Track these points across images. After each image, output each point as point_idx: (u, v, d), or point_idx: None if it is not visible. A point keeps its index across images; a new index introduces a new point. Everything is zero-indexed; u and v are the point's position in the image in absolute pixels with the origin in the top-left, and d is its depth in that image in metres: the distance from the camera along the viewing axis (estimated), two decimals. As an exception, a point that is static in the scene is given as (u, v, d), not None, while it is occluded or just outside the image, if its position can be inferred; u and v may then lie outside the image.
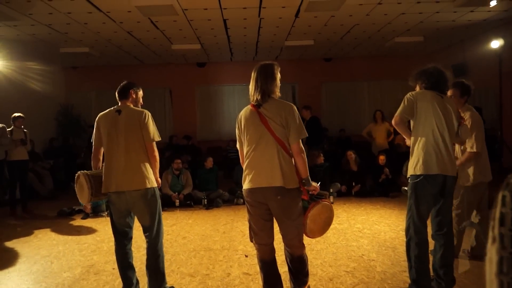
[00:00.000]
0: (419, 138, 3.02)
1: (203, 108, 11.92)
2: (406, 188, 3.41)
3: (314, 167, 7.01)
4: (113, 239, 4.94)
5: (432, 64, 3.16)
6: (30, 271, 4.00)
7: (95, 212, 6.35)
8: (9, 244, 5.01)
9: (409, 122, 3.16)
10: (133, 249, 3.31)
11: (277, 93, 2.78)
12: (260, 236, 2.77)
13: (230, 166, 9.42)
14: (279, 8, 6.50)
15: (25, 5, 5.95)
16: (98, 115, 3.18)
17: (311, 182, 2.71)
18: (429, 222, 3.11)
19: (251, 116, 2.73)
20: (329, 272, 3.68)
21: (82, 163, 9.59)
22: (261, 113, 2.68)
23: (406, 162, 3.47)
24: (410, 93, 3.09)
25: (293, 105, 2.73)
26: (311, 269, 2.94)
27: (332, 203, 6.11)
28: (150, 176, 3.10)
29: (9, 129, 6.57)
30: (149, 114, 3.15)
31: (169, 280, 3.52)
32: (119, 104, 3.21)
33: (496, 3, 6.33)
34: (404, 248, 4.20)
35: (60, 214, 6.48)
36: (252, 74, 2.80)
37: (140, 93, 3.31)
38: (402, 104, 3.06)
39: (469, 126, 3.51)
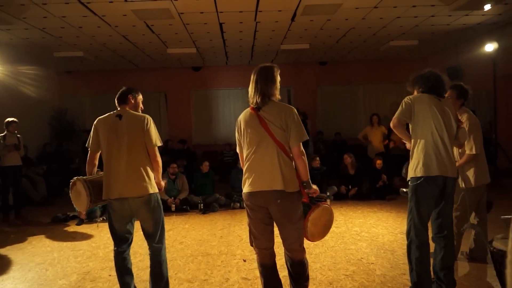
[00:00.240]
0: (418, 140, 3.01)
1: (199, 112, 11.88)
2: (404, 189, 3.40)
3: (311, 171, 6.99)
4: (109, 245, 4.90)
5: (428, 69, 3.17)
6: (24, 278, 3.92)
7: (90, 218, 6.27)
8: (2, 251, 4.91)
9: (407, 125, 3.16)
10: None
11: (277, 95, 2.75)
12: (261, 240, 2.73)
13: (226, 170, 9.38)
14: (275, 11, 6.50)
15: (19, 9, 5.89)
16: (97, 119, 3.11)
17: (311, 185, 2.68)
18: (429, 225, 3.09)
19: (251, 119, 2.70)
20: (328, 276, 3.65)
21: (76, 169, 9.51)
22: (261, 116, 2.65)
23: (405, 165, 3.45)
24: (407, 96, 3.10)
25: (293, 107, 2.71)
26: (310, 273, 2.90)
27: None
28: (152, 182, 3.05)
29: (2, 134, 6.48)
30: (151, 119, 3.10)
31: (167, 286, 3.46)
32: (118, 109, 3.15)
33: (490, 7, 6.38)
34: (403, 251, 4.23)
35: (54, 220, 6.38)
36: (252, 76, 2.77)
37: (140, 97, 3.25)
38: (400, 108, 3.06)
39: (466, 129, 3.52)
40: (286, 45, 8.92)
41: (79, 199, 3.03)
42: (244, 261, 4.16)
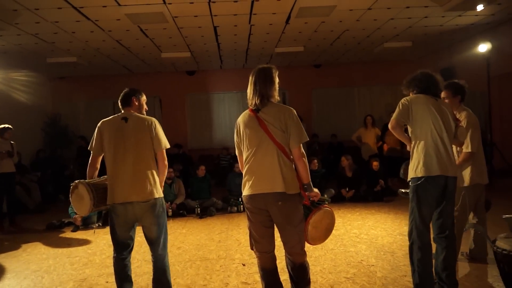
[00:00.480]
0: (418, 141, 3.01)
1: (194, 117, 11.85)
2: (403, 190, 3.38)
3: (310, 173, 6.96)
4: (105, 251, 4.83)
5: (420, 70, 3.18)
6: (20, 286, 3.84)
7: (86, 224, 6.20)
8: (-4, 259, 4.83)
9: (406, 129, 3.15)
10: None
11: (276, 97, 2.73)
12: (261, 244, 2.70)
13: (223, 174, 9.34)
14: (269, 14, 6.49)
15: (11, 14, 5.82)
16: (101, 121, 3.04)
17: (313, 187, 2.65)
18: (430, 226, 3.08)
19: (250, 121, 2.67)
20: (329, 279, 3.61)
21: (70, 175, 9.42)
22: (260, 117, 2.63)
23: (403, 165, 3.43)
24: (404, 98, 3.10)
25: (292, 109, 2.68)
26: (310, 276, 2.86)
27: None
28: (158, 186, 2.99)
29: (-5, 141, 6.39)
30: (157, 121, 3.06)
31: (166, 292, 3.40)
32: (122, 111, 3.09)
33: (483, 8, 6.42)
34: (403, 252, 4.23)
35: (49, 227, 6.29)
36: (250, 78, 2.75)
37: (143, 98, 3.19)
38: (397, 109, 3.06)
39: (464, 126, 3.51)
40: (281, 48, 8.92)
41: (81, 203, 2.95)
42: (243, 265, 4.11)
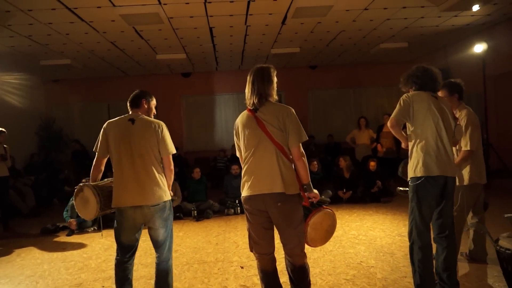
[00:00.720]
0: (418, 140, 2.98)
1: (189, 119, 11.79)
2: (401, 188, 3.34)
3: (309, 174, 6.92)
4: (101, 255, 4.76)
5: (416, 65, 3.15)
6: (13, 292, 3.76)
7: (81, 228, 6.11)
8: (-11, 264, 4.74)
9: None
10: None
11: (275, 96, 2.69)
12: (261, 246, 2.65)
13: (219, 177, 9.29)
14: (266, 15, 6.46)
15: (4, 16, 5.74)
16: (107, 122, 2.96)
17: (312, 188, 2.61)
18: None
19: (248, 121, 2.63)
20: (329, 281, 3.57)
21: (65, 179, 9.32)
22: (258, 117, 2.59)
23: (401, 164, 3.40)
24: (406, 94, 3.07)
25: (291, 108, 2.65)
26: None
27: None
28: (166, 189, 2.93)
29: (-12, 144, 6.30)
30: (165, 125, 3.01)
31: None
32: (130, 112, 3.03)
33: (478, 8, 6.42)
34: (402, 253, 4.20)
35: (44, 232, 6.20)
36: (248, 77, 2.71)
37: (153, 102, 3.14)
38: (398, 106, 3.02)
39: (464, 124, 3.51)
40: (277, 49, 8.89)
41: (86, 207, 2.87)
42: (242, 267, 4.06)
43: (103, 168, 2.99)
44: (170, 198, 2.96)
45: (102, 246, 5.23)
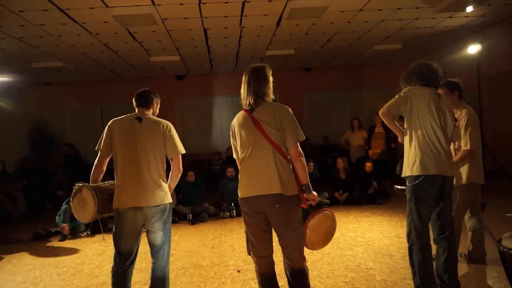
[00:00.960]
0: (415, 138, 2.95)
1: (184, 122, 11.71)
2: (399, 186, 3.31)
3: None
4: (94, 260, 4.66)
5: (417, 62, 3.13)
6: (3, 300, 3.66)
7: (74, 233, 5.99)
8: (-21, 271, 4.62)
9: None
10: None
11: (271, 95, 2.65)
12: (259, 249, 2.58)
13: (214, 179, 9.21)
14: (260, 16, 6.42)
15: (-6, 17, 5.65)
16: (112, 120, 2.87)
17: (311, 189, 2.55)
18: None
19: (244, 121, 2.58)
20: (327, 284, 3.51)
21: (57, 183, 9.19)
22: (255, 117, 2.54)
23: (399, 162, 3.36)
24: (407, 88, 3.02)
25: (287, 107, 2.60)
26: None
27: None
28: (167, 191, 2.86)
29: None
30: (172, 126, 2.95)
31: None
32: (136, 111, 2.94)
33: (472, 9, 6.44)
34: (401, 255, 4.16)
35: (36, 237, 6.07)
36: (243, 77, 2.66)
37: (159, 102, 3.12)
38: (397, 97, 2.99)
39: (464, 123, 3.49)
40: (271, 51, 8.85)
41: (84, 209, 2.76)
42: (238, 271, 3.99)
43: (104, 168, 2.89)
44: (171, 201, 2.88)
45: (95, 251, 5.13)
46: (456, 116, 3.54)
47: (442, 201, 2.96)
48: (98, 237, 5.62)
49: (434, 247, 3.03)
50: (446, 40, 8.82)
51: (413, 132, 2.95)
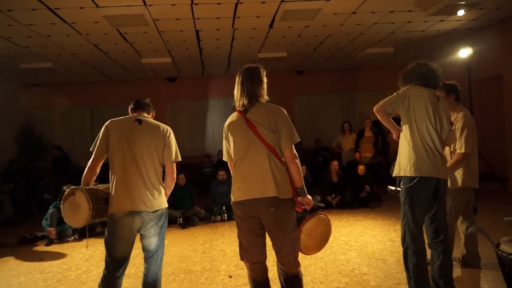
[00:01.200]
0: (410, 139, 2.91)
1: (175, 124, 11.56)
2: (392, 187, 3.27)
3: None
4: (81, 266, 4.52)
5: (417, 62, 3.10)
6: (-15, 307, 3.53)
7: (61, 238, 5.85)
8: (-39, 277, 4.46)
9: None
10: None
11: (265, 96, 2.58)
12: (252, 254, 2.51)
13: (205, 183, 9.10)
14: (253, 18, 6.37)
15: (-19, 16, 5.52)
16: (110, 121, 2.76)
17: (306, 192, 2.49)
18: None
19: (238, 122, 2.51)
20: (321, 289, 3.45)
21: (45, 186, 9.01)
22: (249, 118, 2.47)
23: (393, 163, 3.32)
24: (406, 86, 2.98)
25: (282, 108, 2.53)
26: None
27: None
28: (164, 195, 2.77)
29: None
30: (172, 131, 2.87)
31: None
32: (134, 114, 2.86)
33: (464, 13, 6.47)
34: (395, 259, 4.11)
35: (21, 241, 5.91)
36: (237, 78, 2.59)
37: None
38: (395, 94, 2.95)
39: (460, 126, 3.47)
40: (264, 53, 8.81)
41: (76, 213, 2.60)
42: (230, 277, 3.90)
43: (98, 171, 2.76)
44: (167, 205, 2.80)
45: (83, 256, 5.00)
46: (452, 119, 3.51)
47: (436, 204, 2.93)
48: (85, 241, 5.48)
49: (428, 252, 2.99)
50: (438, 44, 8.87)
51: (408, 132, 2.92)
